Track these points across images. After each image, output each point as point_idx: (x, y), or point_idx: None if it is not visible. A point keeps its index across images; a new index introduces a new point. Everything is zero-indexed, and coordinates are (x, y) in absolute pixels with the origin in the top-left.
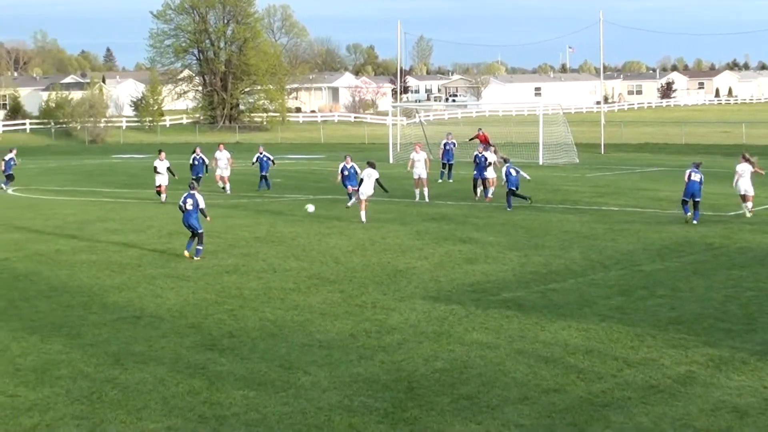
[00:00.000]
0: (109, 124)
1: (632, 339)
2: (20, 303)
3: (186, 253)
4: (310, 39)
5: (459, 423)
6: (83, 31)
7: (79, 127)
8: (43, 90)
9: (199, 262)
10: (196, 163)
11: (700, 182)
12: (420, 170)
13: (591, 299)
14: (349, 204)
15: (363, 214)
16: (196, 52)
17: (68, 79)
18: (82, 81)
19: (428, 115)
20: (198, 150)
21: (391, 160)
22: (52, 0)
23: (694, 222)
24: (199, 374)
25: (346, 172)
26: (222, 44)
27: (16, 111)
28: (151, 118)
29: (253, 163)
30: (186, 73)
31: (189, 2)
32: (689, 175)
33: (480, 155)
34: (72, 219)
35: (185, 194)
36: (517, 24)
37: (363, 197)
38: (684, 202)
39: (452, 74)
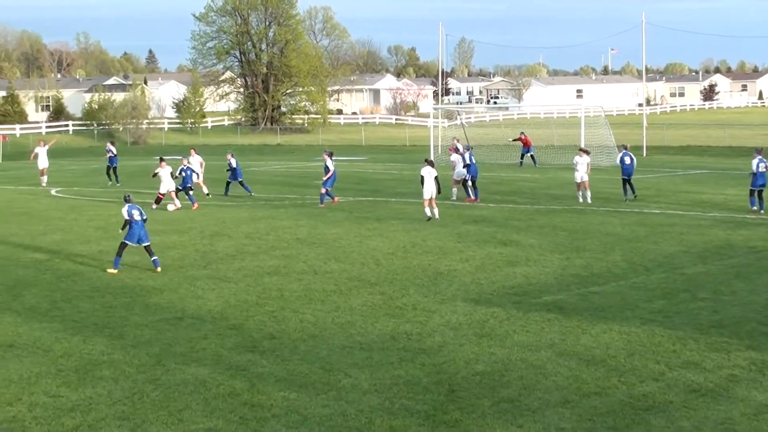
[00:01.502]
0: (151, 126)
1: (674, 342)
2: (63, 304)
3: (112, 270)
4: (352, 41)
5: (500, 426)
6: (126, 33)
7: (121, 129)
8: (86, 92)
9: (240, 264)
10: (184, 174)
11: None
12: (459, 172)
13: (632, 302)
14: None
15: (428, 210)
16: (237, 53)
17: (111, 81)
18: (124, 83)
19: (469, 117)
20: (185, 161)
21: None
22: (96, 2)
23: (761, 212)
24: (240, 376)
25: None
26: (263, 46)
27: (59, 112)
28: (192, 120)
29: (227, 170)
30: (228, 74)
31: (231, 4)
32: (758, 166)
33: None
34: (114, 220)
35: (128, 206)
36: (558, 26)
37: (427, 196)
38: (751, 193)
39: (494, 76)
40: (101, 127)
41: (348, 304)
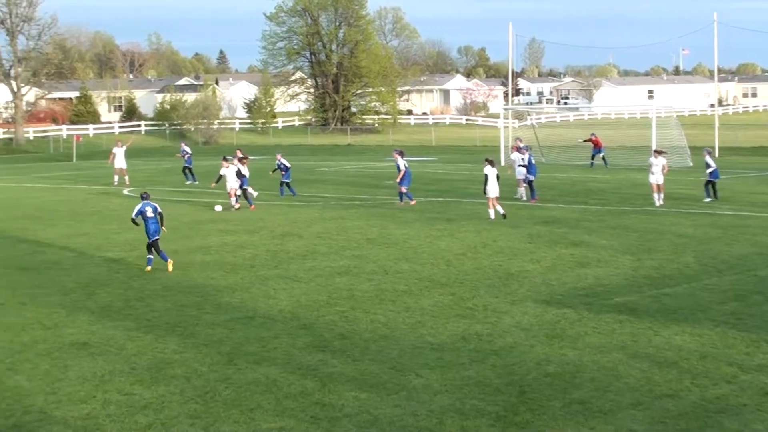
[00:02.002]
0: (222, 126)
1: (747, 345)
2: (135, 302)
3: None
4: (421, 41)
5: (571, 427)
6: (197, 34)
7: (192, 129)
8: (158, 92)
9: (311, 263)
10: (281, 169)
11: None
12: (520, 171)
13: (705, 304)
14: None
15: (491, 211)
16: (308, 54)
17: (182, 81)
18: (195, 83)
19: (540, 118)
20: (279, 155)
21: (502, 163)
22: (167, 3)
23: None
24: (311, 375)
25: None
26: (334, 47)
27: (131, 112)
28: (263, 120)
29: (273, 171)
30: (298, 75)
31: (301, 5)
32: None
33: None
34: (186, 219)
35: (142, 204)
36: (629, 26)
37: (492, 195)
38: None
39: (564, 76)
40: (173, 128)
41: (419, 305)
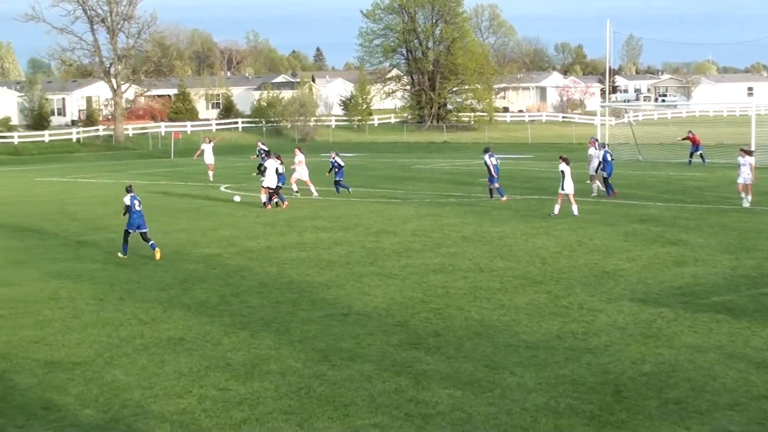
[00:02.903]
0: (319, 123)
1: None
2: (231, 298)
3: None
4: (518, 38)
5: (667, 427)
6: (294, 32)
7: (289, 126)
8: (255, 89)
9: (406, 261)
10: (335, 167)
11: None
12: (593, 168)
13: None
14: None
15: (557, 207)
16: (404, 51)
17: (279, 79)
18: (292, 80)
19: (637, 116)
20: (333, 154)
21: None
22: (265, 1)
23: None
24: (405, 372)
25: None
26: (430, 44)
27: (229, 110)
28: (359, 118)
29: (329, 171)
30: (394, 72)
31: (398, 2)
32: None
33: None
34: (282, 216)
35: (130, 196)
36: (728, 22)
37: (564, 192)
38: None
39: (662, 74)
40: (269, 125)
41: (513, 303)
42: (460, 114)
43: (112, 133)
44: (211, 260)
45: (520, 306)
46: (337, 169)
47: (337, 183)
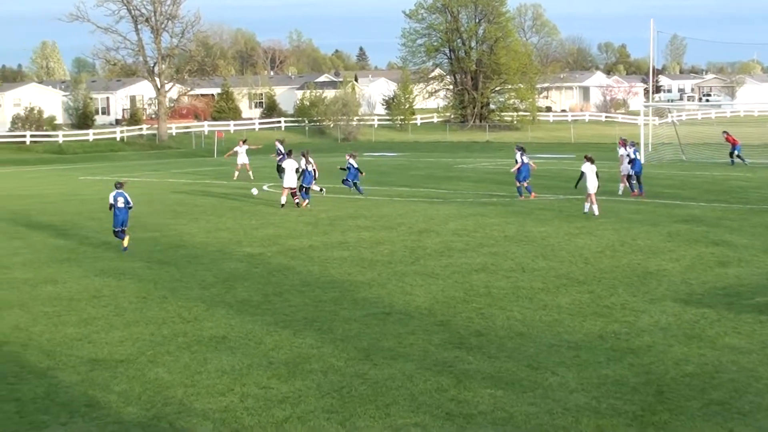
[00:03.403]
0: (361, 123)
1: None
2: (274, 297)
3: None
4: (561, 38)
5: (709, 428)
6: (337, 31)
7: (332, 125)
8: (298, 89)
9: (448, 260)
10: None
11: None
12: (624, 168)
13: None
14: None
15: (590, 206)
16: (447, 51)
17: (322, 78)
18: (335, 80)
19: (681, 115)
20: (349, 156)
21: (642, 160)
22: (308, 1)
23: None
24: (446, 372)
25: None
26: (473, 43)
27: (272, 109)
28: (402, 117)
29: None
30: (437, 72)
31: (441, 1)
32: None
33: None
34: (324, 216)
35: (115, 192)
36: None
37: (591, 191)
38: None
39: (706, 73)
40: (312, 124)
41: (555, 303)
42: (502, 113)
43: (155, 132)
44: (253, 259)
45: (562, 306)
46: (350, 170)
47: (348, 183)
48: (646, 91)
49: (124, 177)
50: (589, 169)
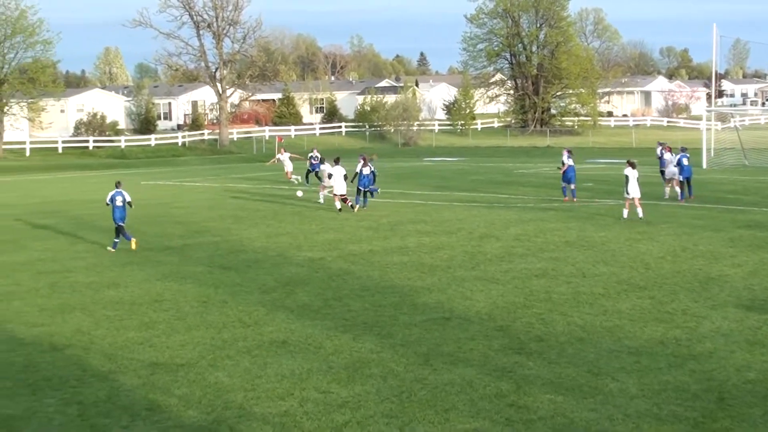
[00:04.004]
0: (422, 128)
1: None
2: (333, 302)
3: (133, 243)
4: (623, 42)
5: None
6: (398, 36)
7: (392, 130)
8: (359, 94)
9: (508, 265)
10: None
11: None
12: (671, 171)
13: None
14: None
15: (629, 212)
16: (508, 56)
17: (383, 83)
18: (396, 85)
19: (743, 120)
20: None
21: (704, 166)
22: (369, 6)
23: None
24: (506, 377)
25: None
26: (534, 48)
27: (332, 114)
28: (462, 122)
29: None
30: (498, 76)
31: (502, 6)
32: None
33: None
34: (384, 221)
35: (113, 192)
36: None
37: (630, 197)
38: None
39: None
40: (373, 129)
41: (616, 308)
42: (563, 118)
43: (216, 137)
44: (313, 263)
45: (623, 311)
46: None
47: (360, 191)
48: (709, 96)
49: (186, 182)
50: (631, 174)
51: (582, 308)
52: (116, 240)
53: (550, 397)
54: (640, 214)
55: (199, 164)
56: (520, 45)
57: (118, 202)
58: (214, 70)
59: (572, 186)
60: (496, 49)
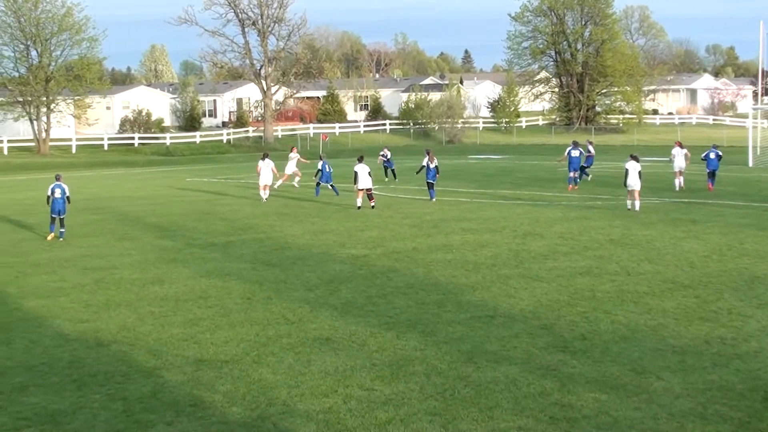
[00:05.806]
0: (466, 125)
1: None
2: (377, 299)
3: (50, 235)
4: (668, 39)
5: None
6: (442, 34)
7: (436, 128)
8: (403, 91)
9: (553, 263)
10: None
11: None
12: (678, 165)
13: None
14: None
15: (629, 203)
16: (552, 53)
17: (427, 81)
18: (440, 82)
19: None
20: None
21: (750, 164)
22: (414, 4)
23: None
24: (550, 375)
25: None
26: (579, 46)
27: (377, 111)
28: (507, 120)
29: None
30: (542, 74)
31: (547, 4)
32: None
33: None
34: (428, 218)
35: (53, 184)
36: None
37: (629, 188)
38: None
39: None
40: (417, 126)
41: (661, 307)
42: (608, 116)
43: (261, 134)
44: (357, 261)
45: (667, 310)
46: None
47: (430, 185)
48: (755, 94)
49: (230, 179)
50: (631, 167)
51: (626, 306)
52: (52, 225)
53: (594, 395)
54: (637, 207)
55: (244, 161)
56: (564, 42)
57: (57, 194)
58: (258, 68)
59: (572, 174)
60: (541, 46)
